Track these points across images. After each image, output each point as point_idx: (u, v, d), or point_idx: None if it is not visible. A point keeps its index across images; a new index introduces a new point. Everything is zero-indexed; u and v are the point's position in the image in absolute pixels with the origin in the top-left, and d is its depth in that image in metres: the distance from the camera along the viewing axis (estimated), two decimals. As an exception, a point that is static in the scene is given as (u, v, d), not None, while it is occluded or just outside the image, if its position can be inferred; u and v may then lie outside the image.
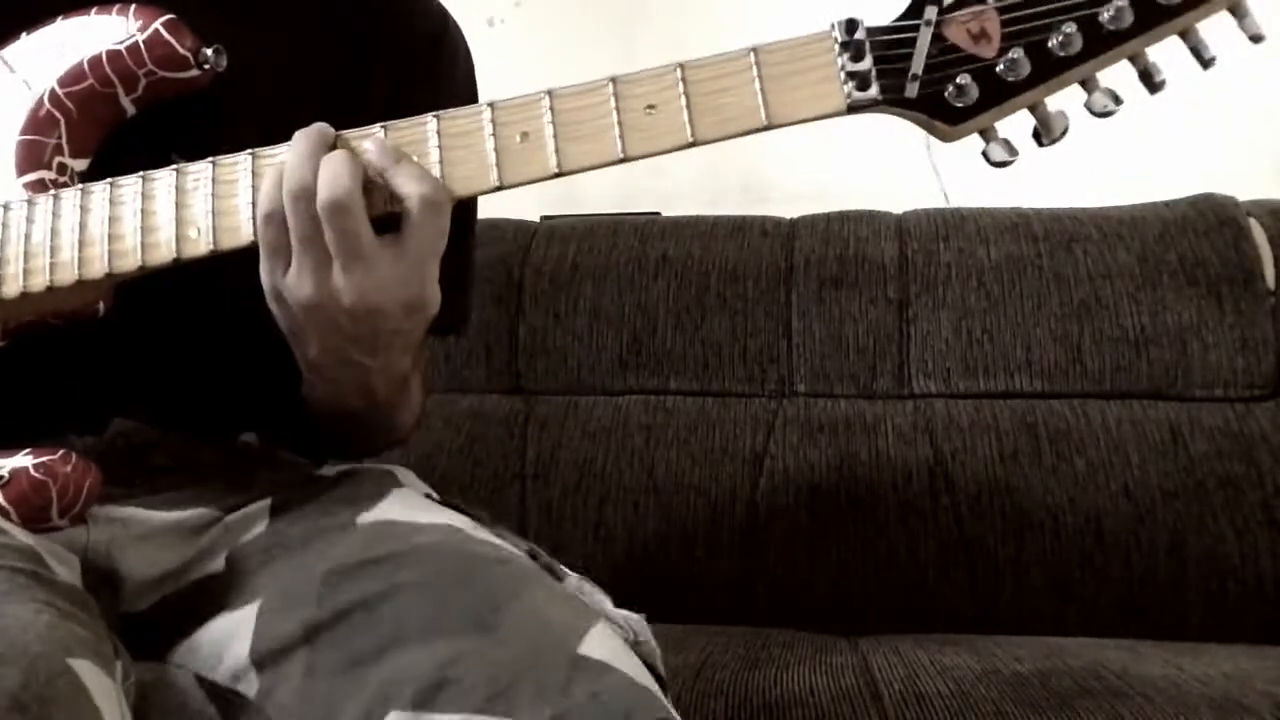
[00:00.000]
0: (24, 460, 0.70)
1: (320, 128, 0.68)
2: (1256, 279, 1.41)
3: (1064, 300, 1.42)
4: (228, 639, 0.68)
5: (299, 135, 0.68)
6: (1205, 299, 1.40)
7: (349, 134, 0.69)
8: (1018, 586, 1.31)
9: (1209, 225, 1.45)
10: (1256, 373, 1.38)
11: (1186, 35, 0.63)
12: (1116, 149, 1.61)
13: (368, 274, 0.66)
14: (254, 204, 0.69)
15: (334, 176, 0.65)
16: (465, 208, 0.82)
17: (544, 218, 1.66)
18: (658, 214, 1.66)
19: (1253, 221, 1.45)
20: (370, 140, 0.68)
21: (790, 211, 1.58)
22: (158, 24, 0.75)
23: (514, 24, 1.92)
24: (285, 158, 0.67)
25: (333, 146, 0.67)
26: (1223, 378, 1.38)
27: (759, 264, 1.49)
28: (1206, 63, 0.63)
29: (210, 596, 0.71)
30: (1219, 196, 1.49)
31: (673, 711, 0.60)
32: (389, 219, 0.68)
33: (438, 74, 0.90)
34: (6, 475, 0.69)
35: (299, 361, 0.75)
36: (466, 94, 0.93)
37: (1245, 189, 1.51)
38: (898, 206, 1.57)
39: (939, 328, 1.44)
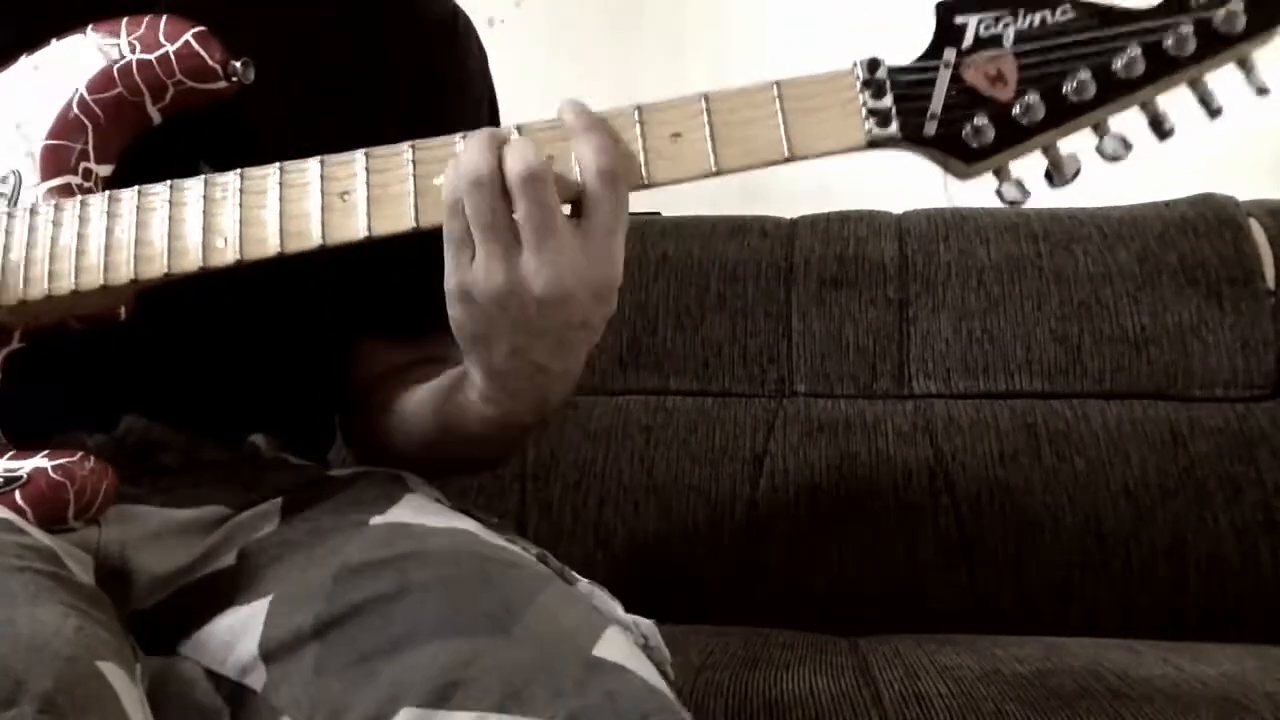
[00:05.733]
0: (42, 462, 0.70)
1: (492, 130, 0.67)
2: (1256, 279, 1.41)
3: (1064, 300, 1.42)
4: (237, 633, 0.68)
5: (472, 135, 0.67)
6: (1205, 299, 1.40)
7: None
8: (1018, 586, 1.31)
9: (1209, 225, 1.45)
10: (1256, 373, 1.38)
11: (1195, 85, 0.65)
12: (1116, 149, 1.61)
13: (560, 253, 0.64)
14: (281, 215, 0.69)
15: (523, 152, 0.64)
16: None
17: (544, 218, 1.65)
18: (658, 214, 1.66)
19: (1253, 221, 1.45)
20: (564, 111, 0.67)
21: (790, 211, 1.58)
22: (188, 35, 0.76)
23: (514, 24, 1.92)
24: (460, 151, 0.66)
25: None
26: (1223, 378, 1.38)
27: (759, 264, 1.49)
28: (1214, 113, 0.65)
29: (220, 591, 0.71)
30: (1219, 196, 1.49)
31: (686, 715, 0.60)
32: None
33: (454, 68, 0.91)
34: (25, 476, 0.70)
35: (479, 374, 0.73)
36: (481, 88, 0.94)
37: (1245, 189, 1.50)
38: (898, 206, 1.56)
39: (939, 328, 1.44)
